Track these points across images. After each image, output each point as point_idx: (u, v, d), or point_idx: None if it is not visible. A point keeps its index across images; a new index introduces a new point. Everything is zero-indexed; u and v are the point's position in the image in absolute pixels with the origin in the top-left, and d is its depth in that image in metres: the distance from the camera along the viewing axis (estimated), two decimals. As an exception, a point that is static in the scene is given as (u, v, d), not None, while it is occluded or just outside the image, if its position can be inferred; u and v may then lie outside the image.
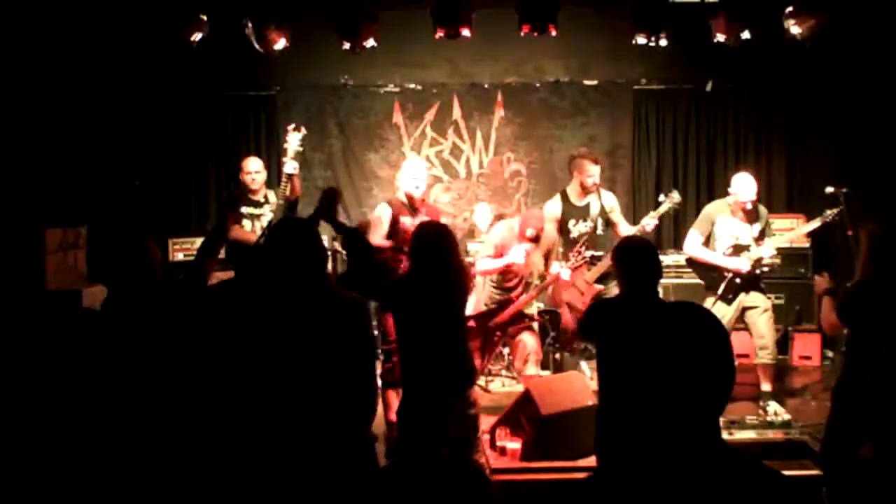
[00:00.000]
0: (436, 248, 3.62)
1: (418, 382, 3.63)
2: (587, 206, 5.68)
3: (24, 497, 3.56)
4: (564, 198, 5.74)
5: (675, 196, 5.67)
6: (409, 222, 4.96)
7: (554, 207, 5.73)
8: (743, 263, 5.37)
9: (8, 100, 5.66)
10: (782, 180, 7.30)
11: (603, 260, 5.53)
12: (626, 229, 5.71)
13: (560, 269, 5.24)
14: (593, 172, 5.63)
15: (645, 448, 1.62)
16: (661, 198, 5.80)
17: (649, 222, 5.59)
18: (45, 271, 5.47)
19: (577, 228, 5.66)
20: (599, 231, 5.71)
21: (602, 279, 5.54)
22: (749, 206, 5.40)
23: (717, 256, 5.47)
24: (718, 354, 1.62)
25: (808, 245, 6.54)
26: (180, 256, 6.59)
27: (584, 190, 5.67)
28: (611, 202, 5.78)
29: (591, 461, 4.29)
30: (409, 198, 5.07)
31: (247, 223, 5.68)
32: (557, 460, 4.11)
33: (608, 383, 3.36)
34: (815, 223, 5.53)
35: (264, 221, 5.71)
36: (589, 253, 5.49)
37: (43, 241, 5.53)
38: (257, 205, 5.75)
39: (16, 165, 5.70)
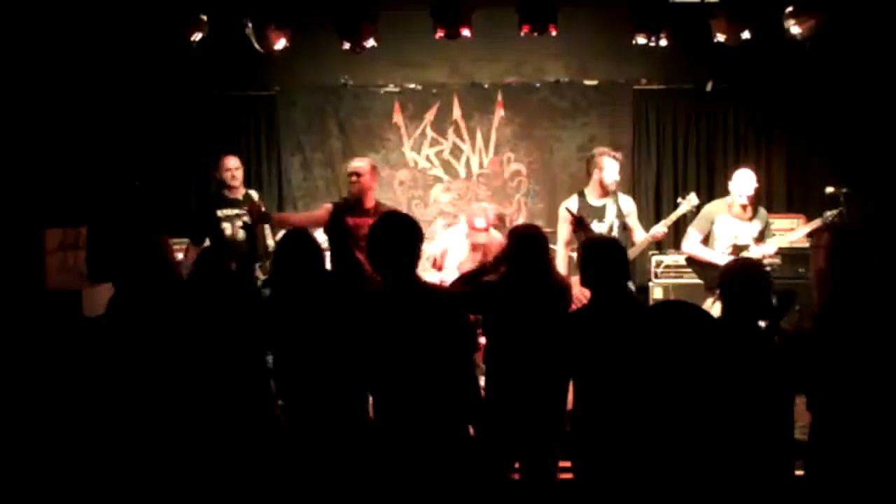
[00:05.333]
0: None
1: None
2: (604, 208, 5.66)
3: (24, 494, 3.57)
4: (581, 197, 5.73)
5: (693, 198, 5.61)
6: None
7: (570, 207, 5.74)
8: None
9: (8, 100, 5.66)
10: (782, 180, 7.29)
11: None
12: (640, 235, 5.71)
13: None
14: (612, 168, 5.60)
15: (636, 448, 1.62)
16: (679, 200, 5.76)
17: (660, 230, 5.56)
18: (45, 271, 5.48)
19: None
20: (615, 234, 5.69)
21: None
22: (745, 201, 5.40)
23: (714, 254, 5.47)
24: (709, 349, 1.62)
25: (807, 245, 6.53)
26: (180, 256, 6.57)
27: (604, 189, 5.64)
28: (628, 206, 5.76)
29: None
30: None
31: (226, 226, 5.64)
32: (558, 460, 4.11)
33: (588, 391, 3.32)
34: (816, 224, 5.53)
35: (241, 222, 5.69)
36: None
37: (43, 241, 5.53)
38: (235, 204, 5.73)
39: (16, 165, 5.70)
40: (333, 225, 4.55)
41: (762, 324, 3.16)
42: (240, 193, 5.80)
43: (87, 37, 6.04)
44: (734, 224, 5.46)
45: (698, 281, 5.77)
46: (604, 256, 3.32)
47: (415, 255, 3.06)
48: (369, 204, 5.38)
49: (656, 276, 6.53)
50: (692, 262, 5.68)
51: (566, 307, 3.66)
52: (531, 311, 3.50)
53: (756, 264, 3.55)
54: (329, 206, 5.38)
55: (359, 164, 5.49)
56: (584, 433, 3.26)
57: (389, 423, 3.01)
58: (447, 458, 2.97)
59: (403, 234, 3.05)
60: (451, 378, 2.99)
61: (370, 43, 5.81)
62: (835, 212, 5.41)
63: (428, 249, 5.66)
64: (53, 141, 6.17)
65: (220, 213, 5.68)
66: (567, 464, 3.95)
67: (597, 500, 3.21)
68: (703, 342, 3.09)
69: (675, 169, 7.38)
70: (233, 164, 5.82)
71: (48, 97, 6.05)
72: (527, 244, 3.62)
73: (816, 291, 3.81)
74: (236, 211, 5.70)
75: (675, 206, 5.82)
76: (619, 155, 5.70)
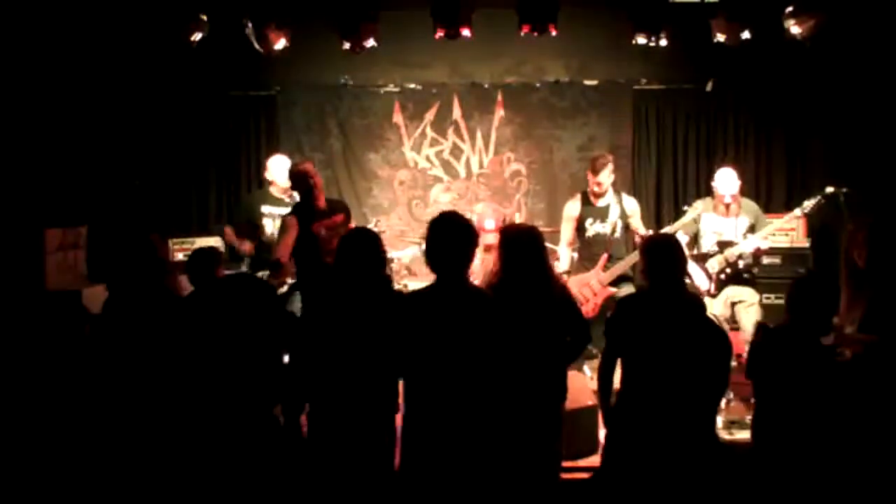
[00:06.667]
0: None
1: None
2: (606, 208, 5.68)
3: (23, 493, 3.57)
4: (584, 198, 5.75)
5: (699, 206, 5.60)
6: None
7: (573, 207, 5.77)
8: (703, 282, 5.47)
9: (8, 100, 5.66)
10: (782, 180, 7.28)
11: (619, 263, 5.55)
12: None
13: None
14: (591, 180, 5.64)
15: (649, 440, 1.64)
16: (685, 207, 5.77)
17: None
18: (45, 271, 5.48)
19: (594, 228, 5.68)
20: (617, 235, 5.71)
21: (615, 282, 5.56)
22: (728, 201, 5.44)
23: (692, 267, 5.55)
24: (720, 361, 1.64)
25: (807, 245, 6.54)
26: (180, 256, 6.58)
27: (594, 195, 5.69)
28: (632, 207, 5.78)
29: (590, 461, 4.30)
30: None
31: (268, 222, 5.70)
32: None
33: (633, 383, 3.34)
34: (794, 214, 5.54)
35: None
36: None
37: (43, 241, 5.54)
38: (281, 204, 5.75)
39: (16, 165, 5.70)
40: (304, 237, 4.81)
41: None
42: (287, 194, 5.80)
43: (87, 37, 6.04)
44: (718, 221, 5.51)
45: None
46: (662, 252, 3.44)
47: (468, 256, 3.15)
48: (323, 203, 5.29)
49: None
50: None
51: (569, 311, 3.61)
52: (528, 319, 3.45)
53: (826, 280, 3.56)
54: (293, 219, 5.19)
55: (308, 166, 5.39)
56: (627, 413, 3.31)
57: (424, 419, 3.06)
58: (482, 457, 3.04)
59: (460, 234, 3.14)
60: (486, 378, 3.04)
61: (370, 43, 5.82)
62: (813, 202, 5.40)
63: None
64: (53, 141, 6.17)
65: (264, 209, 5.75)
66: (569, 464, 3.96)
67: (625, 482, 3.24)
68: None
69: (675, 169, 7.38)
70: (288, 163, 5.78)
71: (48, 97, 6.05)
72: (518, 246, 3.54)
73: (847, 292, 3.79)
74: (279, 210, 5.71)
75: (681, 213, 5.84)
76: (598, 166, 5.65)
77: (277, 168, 5.82)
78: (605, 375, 3.48)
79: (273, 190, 5.85)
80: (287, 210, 5.51)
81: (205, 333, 3.50)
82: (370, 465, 3.20)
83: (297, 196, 5.51)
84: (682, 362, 3.15)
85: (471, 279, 4.83)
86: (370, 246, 3.32)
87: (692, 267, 5.50)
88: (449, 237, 3.15)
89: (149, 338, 3.53)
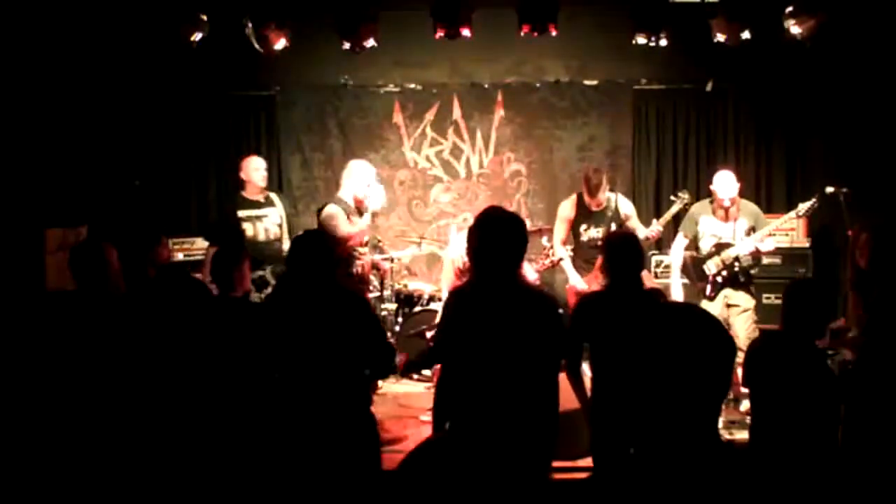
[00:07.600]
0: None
1: None
2: (602, 212, 5.67)
3: (22, 493, 3.57)
4: (580, 200, 5.73)
5: (685, 196, 5.61)
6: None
7: (567, 209, 5.75)
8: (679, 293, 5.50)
9: (8, 100, 5.66)
10: (782, 180, 7.28)
11: None
12: (640, 234, 5.71)
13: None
14: (591, 202, 5.64)
15: (643, 445, 1.63)
16: (672, 198, 5.76)
17: (655, 229, 5.58)
18: (45, 271, 5.48)
19: (589, 234, 5.67)
20: None
21: None
22: (727, 204, 5.41)
23: (674, 276, 5.55)
24: (718, 356, 1.63)
25: (807, 245, 6.54)
26: (180, 256, 6.59)
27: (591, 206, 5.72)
28: (627, 209, 5.77)
29: (590, 461, 4.30)
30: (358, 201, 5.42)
31: (248, 226, 5.66)
32: (557, 460, 4.10)
33: (604, 380, 3.34)
34: (789, 216, 5.54)
35: (266, 223, 5.72)
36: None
37: (43, 241, 5.54)
38: (257, 205, 5.75)
39: (16, 165, 5.70)
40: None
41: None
42: (262, 195, 5.81)
43: (87, 37, 6.04)
44: (716, 224, 5.48)
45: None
46: (621, 248, 3.52)
47: (519, 253, 3.01)
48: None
49: (657, 276, 6.53)
50: (684, 266, 5.69)
51: (545, 311, 3.46)
52: (496, 318, 3.02)
53: (818, 284, 3.56)
54: (340, 210, 5.35)
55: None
56: (601, 409, 3.31)
57: (468, 417, 2.99)
58: (519, 460, 2.97)
59: (510, 231, 3.00)
60: (533, 378, 3.00)
61: (370, 43, 5.83)
62: (808, 204, 5.40)
63: (450, 255, 5.64)
64: (53, 141, 6.16)
65: (241, 213, 5.72)
66: (562, 463, 3.94)
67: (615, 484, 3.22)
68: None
69: (675, 169, 7.38)
70: (262, 164, 5.86)
71: (49, 97, 6.05)
72: (488, 233, 3.04)
73: (853, 294, 3.77)
74: (257, 212, 5.73)
75: (670, 204, 5.85)
76: (593, 189, 5.62)
77: (252, 169, 5.80)
78: (574, 372, 3.51)
79: (247, 193, 5.80)
80: (263, 211, 5.74)
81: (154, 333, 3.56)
82: (347, 465, 3.18)
83: (272, 197, 5.87)
84: (653, 357, 3.09)
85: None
86: (320, 247, 3.34)
87: (675, 283, 5.54)
88: (499, 234, 2.99)
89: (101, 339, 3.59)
